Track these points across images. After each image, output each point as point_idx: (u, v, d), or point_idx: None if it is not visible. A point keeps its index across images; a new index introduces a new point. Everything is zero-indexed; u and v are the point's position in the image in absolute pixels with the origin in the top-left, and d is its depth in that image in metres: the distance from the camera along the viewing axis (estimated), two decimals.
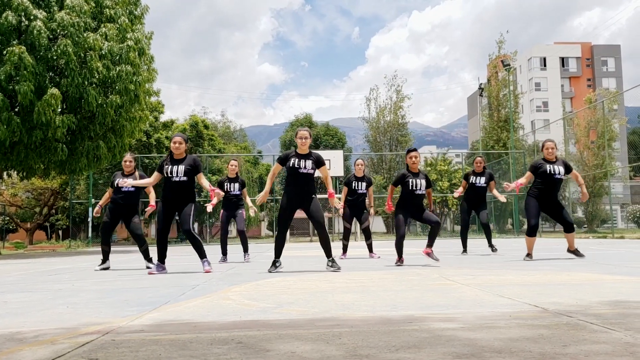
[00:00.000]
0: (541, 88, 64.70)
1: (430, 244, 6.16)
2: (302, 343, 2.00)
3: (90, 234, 22.67)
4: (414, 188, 6.04)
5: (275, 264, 5.52)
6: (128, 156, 6.64)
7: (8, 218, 29.66)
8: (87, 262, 9.01)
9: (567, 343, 1.90)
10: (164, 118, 28.66)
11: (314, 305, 3.00)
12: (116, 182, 6.52)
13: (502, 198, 8.54)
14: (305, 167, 5.40)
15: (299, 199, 5.46)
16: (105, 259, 6.59)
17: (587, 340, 1.94)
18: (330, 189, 5.60)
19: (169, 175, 5.51)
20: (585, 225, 26.21)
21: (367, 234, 8.17)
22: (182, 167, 5.51)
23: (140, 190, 6.64)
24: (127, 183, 5.87)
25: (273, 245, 5.73)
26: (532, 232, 6.59)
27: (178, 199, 5.58)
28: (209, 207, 7.60)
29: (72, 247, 19.75)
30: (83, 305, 3.22)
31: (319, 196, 6.04)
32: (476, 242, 14.99)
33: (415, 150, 6.25)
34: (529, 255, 6.63)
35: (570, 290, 3.39)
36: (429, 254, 6.14)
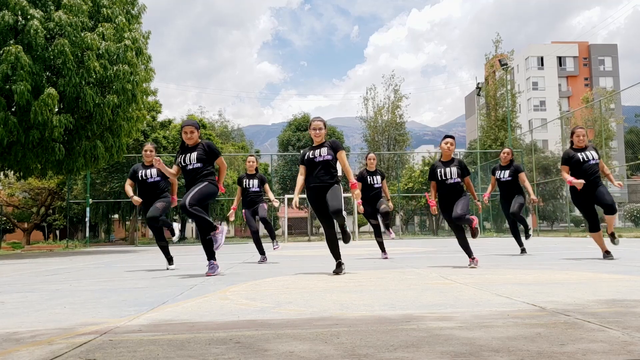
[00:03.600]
0: (538, 87, 64.77)
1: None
2: (300, 343, 2.00)
3: (87, 234, 22.62)
4: (444, 177, 5.59)
5: (341, 265, 5.05)
6: (149, 145, 6.28)
7: (5, 218, 29.58)
8: (85, 262, 8.99)
9: (564, 342, 1.90)
10: (161, 117, 28.59)
11: (312, 304, 3.00)
12: (140, 173, 6.13)
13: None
14: (320, 155, 4.97)
15: (317, 188, 4.99)
16: (167, 254, 6.33)
17: (585, 338, 1.95)
18: (352, 179, 5.09)
19: (183, 164, 5.16)
20: (584, 224, 26.30)
21: (386, 216, 7.54)
22: (194, 155, 5.08)
23: (166, 179, 6.21)
24: (158, 164, 5.23)
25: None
26: (592, 227, 6.28)
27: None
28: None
29: (69, 247, 19.71)
30: (80, 306, 3.22)
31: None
32: (476, 241, 14.99)
33: (452, 137, 5.66)
34: (607, 252, 6.24)
35: (567, 289, 3.40)
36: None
